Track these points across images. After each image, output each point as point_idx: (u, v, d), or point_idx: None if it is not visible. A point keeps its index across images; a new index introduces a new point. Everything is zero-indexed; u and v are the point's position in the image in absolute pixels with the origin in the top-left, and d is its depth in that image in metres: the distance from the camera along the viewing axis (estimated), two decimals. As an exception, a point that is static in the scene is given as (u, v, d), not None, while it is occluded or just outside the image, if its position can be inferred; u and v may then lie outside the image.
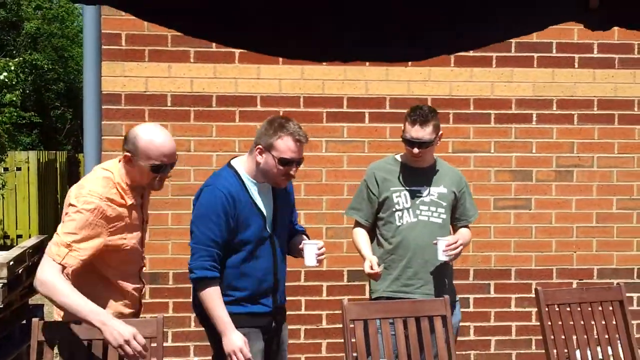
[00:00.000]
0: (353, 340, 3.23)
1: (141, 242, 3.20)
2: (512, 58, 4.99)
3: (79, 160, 21.43)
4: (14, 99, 13.02)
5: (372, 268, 3.57)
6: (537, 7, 2.01)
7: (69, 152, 21.43)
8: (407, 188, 3.71)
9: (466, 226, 3.87)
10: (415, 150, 3.62)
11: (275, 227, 3.29)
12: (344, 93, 4.90)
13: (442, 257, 3.55)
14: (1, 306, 4.22)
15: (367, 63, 4.88)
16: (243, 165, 3.27)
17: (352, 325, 3.27)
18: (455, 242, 3.56)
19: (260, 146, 3.17)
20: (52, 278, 2.81)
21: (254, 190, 3.24)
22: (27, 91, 18.41)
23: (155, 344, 3.06)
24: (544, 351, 3.49)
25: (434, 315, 3.35)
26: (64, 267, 2.83)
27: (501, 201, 5.02)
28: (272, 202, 3.30)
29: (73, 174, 20.08)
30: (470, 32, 2.05)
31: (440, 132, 3.69)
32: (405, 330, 3.32)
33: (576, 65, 5.04)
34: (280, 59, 4.81)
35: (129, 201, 3.04)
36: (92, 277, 3.01)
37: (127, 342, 2.77)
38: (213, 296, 3.13)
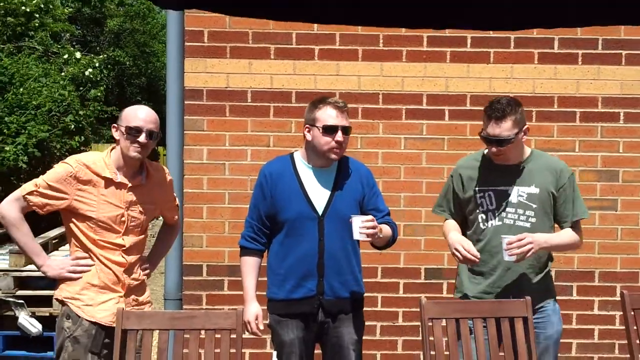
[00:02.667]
0: (431, 338, 3.21)
1: (120, 220, 3.34)
2: (599, 55, 4.85)
3: (159, 152, 21.95)
4: (98, 94, 13.45)
5: (463, 250, 3.31)
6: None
7: (149, 145, 21.88)
8: (493, 188, 3.44)
9: (573, 227, 3.48)
10: (494, 148, 3.38)
11: (327, 210, 3.33)
12: (423, 90, 4.86)
13: (506, 257, 3.27)
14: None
15: (448, 60, 4.83)
16: (300, 151, 3.47)
17: (430, 324, 3.24)
18: (519, 240, 3.23)
19: (307, 125, 3.36)
20: (13, 212, 3.25)
21: (304, 172, 3.39)
22: (110, 86, 18.96)
23: (234, 336, 3.12)
24: (627, 356, 3.39)
25: (514, 317, 3.28)
26: (27, 205, 3.25)
27: (586, 202, 4.76)
28: (332, 187, 3.37)
29: (153, 167, 20.45)
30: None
31: (525, 127, 3.39)
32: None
33: (666, 63, 4.85)
34: (360, 55, 4.82)
35: (106, 173, 3.31)
36: (78, 244, 3.34)
37: (69, 269, 3.29)
38: (245, 265, 3.45)
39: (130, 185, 3.36)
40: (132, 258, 3.38)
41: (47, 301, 5.40)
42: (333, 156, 3.34)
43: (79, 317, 3.27)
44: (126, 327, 3.06)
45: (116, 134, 3.36)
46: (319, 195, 3.36)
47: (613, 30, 4.83)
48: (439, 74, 4.85)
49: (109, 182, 3.31)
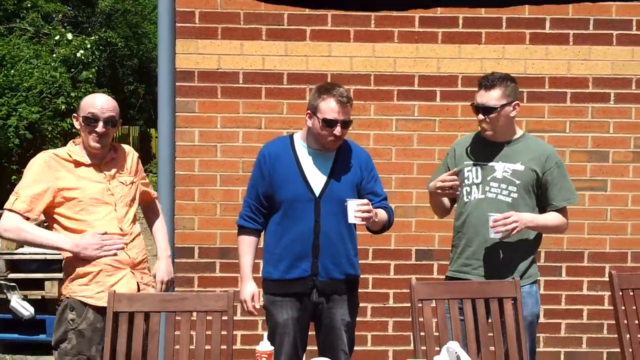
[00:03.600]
0: (421, 319, 3.23)
1: (107, 195, 3.35)
2: (590, 35, 4.84)
3: (151, 135, 21.88)
4: (90, 76, 13.37)
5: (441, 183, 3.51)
6: None
7: (141, 127, 21.88)
8: (479, 163, 3.54)
9: (559, 211, 3.54)
10: (480, 116, 3.47)
11: (324, 192, 3.35)
12: (415, 71, 4.85)
13: (491, 234, 3.34)
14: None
15: (440, 41, 4.82)
16: (301, 132, 3.49)
17: (420, 305, 3.26)
18: (506, 218, 3.32)
19: (309, 111, 3.37)
20: (12, 223, 3.24)
21: (303, 154, 3.41)
22: (102, 68, 18.84)
23: (225, 317, 3.13)
24: (616, 336, 3.42)
25: (503, 297, 3.30)
26: (25, 217, 3.24)
27: (576, 182, 4.77)
28: (330, 169, 3.39)
29: (145, 148, 20.54)
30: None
31: (515, 102, 3.49)
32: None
33: (658, 43, 4.85)
34: (352, 36, 4.80)
35: (76, 157, 3.35)
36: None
37: (102, 245, 3.25)
38: (242, 244, 3.50)
39: (102, 163, 3.40)
40: (128, 229, 3.39)
41: (39, 284, 5.41)
42: (329, 147, 3.38)
43: (85, 306, 3.27)
44: (117, 310, 3.07)
45: (76, 124, 3.40)
46: (316, 177, 3.38)
47: (604, 10, 4.82)
48: (431, 55, 4.84)
49: (81, 164, 3.36)
